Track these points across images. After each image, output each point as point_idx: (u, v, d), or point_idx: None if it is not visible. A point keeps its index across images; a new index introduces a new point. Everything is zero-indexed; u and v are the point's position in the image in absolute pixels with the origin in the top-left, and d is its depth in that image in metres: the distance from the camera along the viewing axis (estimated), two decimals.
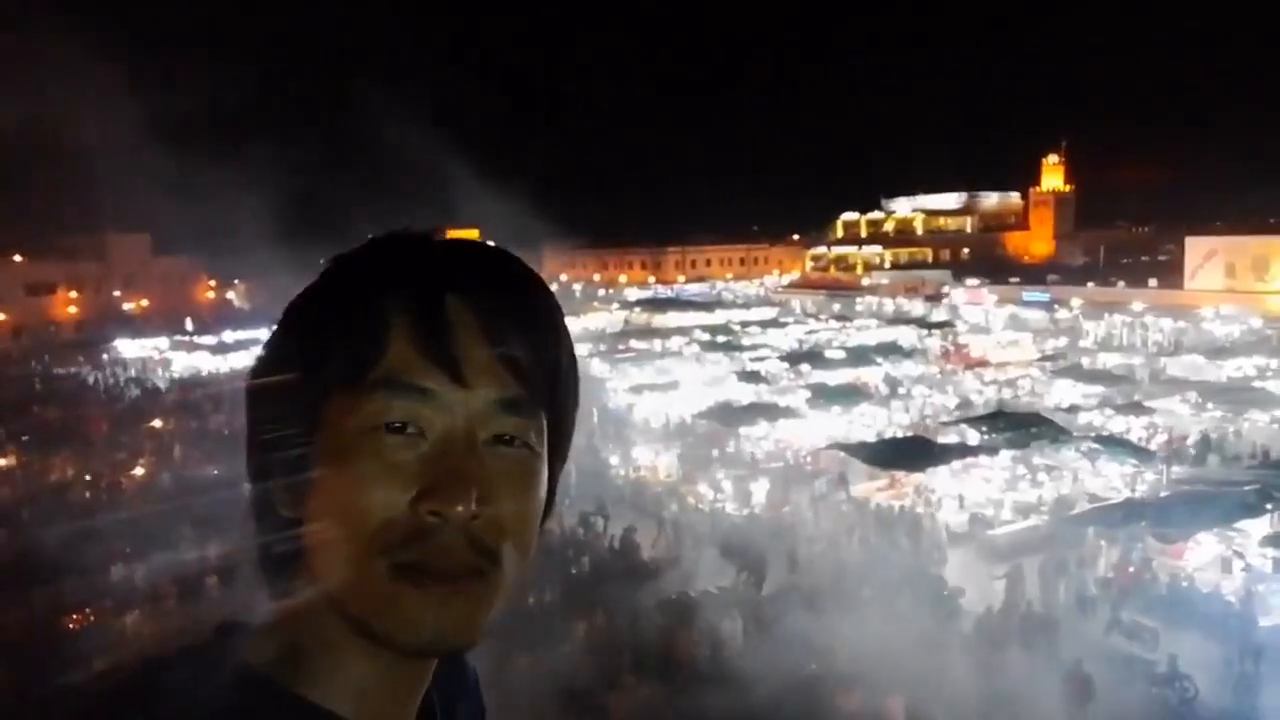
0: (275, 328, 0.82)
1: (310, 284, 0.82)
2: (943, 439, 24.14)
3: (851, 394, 29.84)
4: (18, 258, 62.42)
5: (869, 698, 12.75)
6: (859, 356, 36.25)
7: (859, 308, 60.92)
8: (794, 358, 37.15)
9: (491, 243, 0.87)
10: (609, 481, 24.45)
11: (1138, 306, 48.05)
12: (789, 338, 45.62)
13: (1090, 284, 56.08)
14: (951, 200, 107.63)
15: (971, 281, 61.08)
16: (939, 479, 21.66)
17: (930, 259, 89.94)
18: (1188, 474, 22.32)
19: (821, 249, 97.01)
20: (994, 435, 23.25)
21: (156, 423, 31.05)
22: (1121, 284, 53.99)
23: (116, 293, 65.75)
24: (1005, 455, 22.54)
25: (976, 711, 12.73)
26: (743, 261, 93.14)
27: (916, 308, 57.64)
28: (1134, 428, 25.56)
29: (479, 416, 0.75)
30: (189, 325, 56.15)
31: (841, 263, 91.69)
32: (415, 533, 0.71)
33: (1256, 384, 29.69)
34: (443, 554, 0.72)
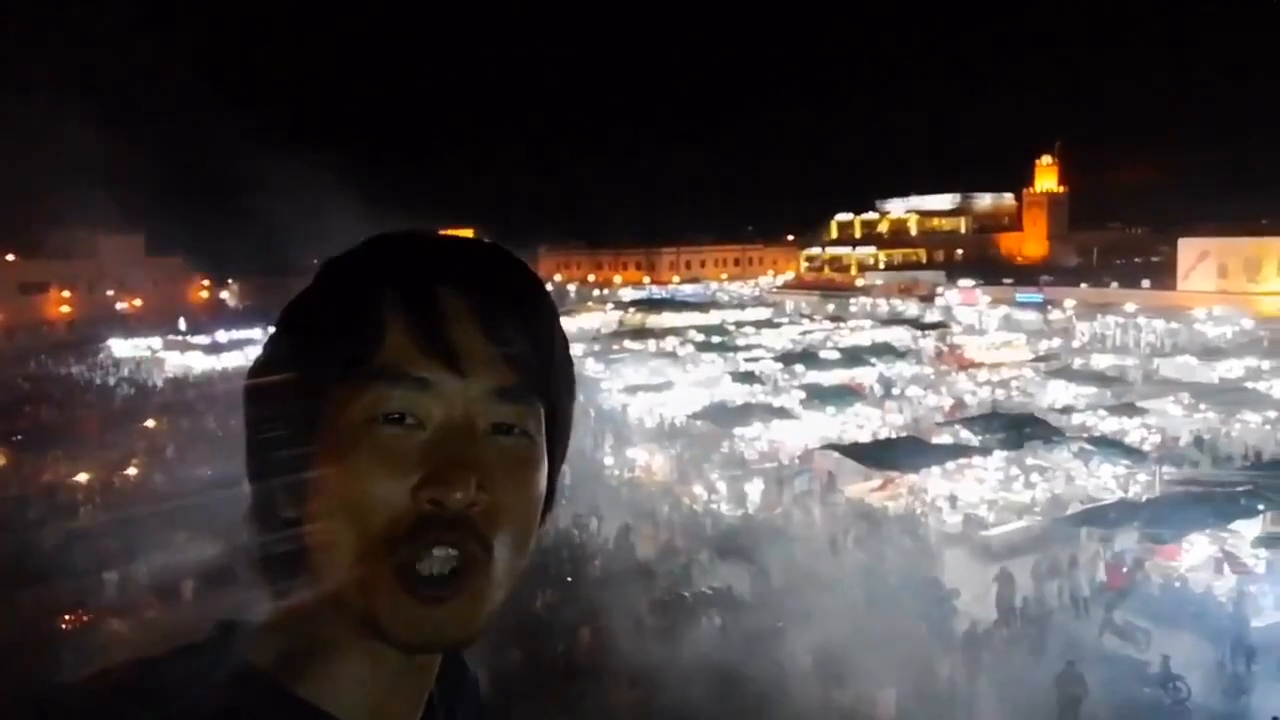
0: (273, 328, 0.82)
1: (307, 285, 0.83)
2: (936, 439, 24.18)
3: (845, 395, 29.87)
4: (10, 257, 62.24)
5: (860, 693, 12.81)
6: (853, 357, 36.31)
7: (853, 308, 61.00)
8: (788, 358, 37.20)
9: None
10: (603, 482, 24.45)
11: (1130, 307, 48.19)
12: (783, 338, 45.64)
13: (1083, 285, 56.24)
14: (945, 201, 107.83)
15: (965, 282, 61.19)
16: (932, 479, 21.69)
17: (924, 260, 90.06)
18: (1180, 475, 22.37)
19: (816, 250, 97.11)
20: (987, 436, 23.30)
21: (149, 422, 30.97)
22: (1114, 285, 54.14)
23: (109, 292, 65.56)
24: (999, 456, 22.59)
25: (969, 711, 12.76)
26: (737, 262, 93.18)
27: (910, 308, 57.74)
28: (1127, 429, 25.63)
29: (477, 405, 0.75)
30: (182, 325, 56.03)
31: (836, 263, 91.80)
32: (416, 523, 0.72)
33: (1248, 385, 29.79)
34: (443, 540, 0.72)
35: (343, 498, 0.73)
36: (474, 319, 0.76)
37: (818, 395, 29.20)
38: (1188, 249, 51.30)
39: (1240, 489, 18.58)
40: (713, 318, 55.07)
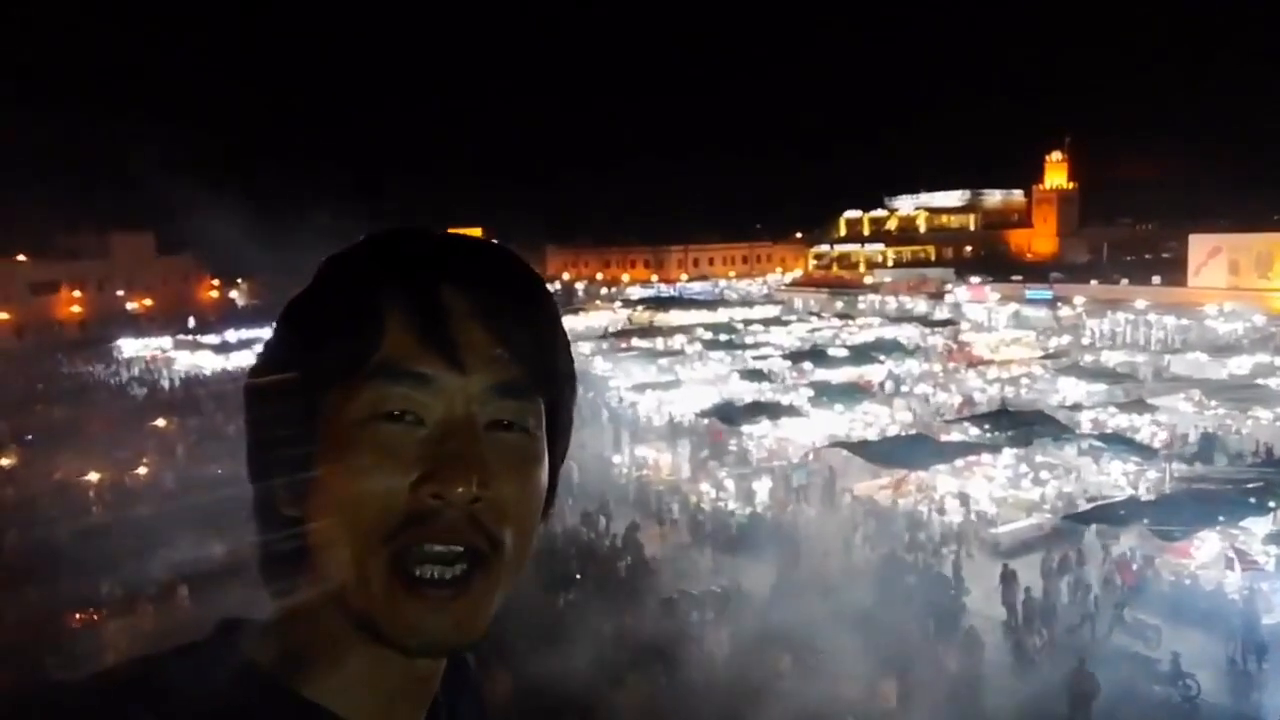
0: (274, 328, 0.82)
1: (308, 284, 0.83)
2: (945, 437, 24.13)
3: (854, 392, 29.82)
4: (21, 257, 62.49)
5: (865, 684, 12.83)
6: (861, 355, 36.23)
7: (862, 306, 60.87)
8: (796, 356, 37.13)
9: (491, 240, 0.88)
10: (611, 480, 24.47)
11: (1141, 304, 47.99)
12: (791, 336, 45.59)
13: (1093, 281, 56.05)
14: (954, 198, 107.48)
15: (974, 279, 61.04)
16: (941, 477, 21.64)
17: (933, 257, 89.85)
18: (1190, 472, 22.28)
19: (824, 247, 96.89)
20: (997, 433, 23.24)
21: (160, 422, 31.10)
22: (1125, 281, 53.95)
23: (120, 292, 65.80)
24: (1008, 453, 22.52)
25: (980, 709, 12.74)
26: (745, 259, 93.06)
27: (919, 306, 57.59)
28: (1137, 426, 25.52)
29: (477, 401, 0.75)
30: (192, 324, 56.25)
31: (844, 261, 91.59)
32: (416, 515, 0.72)
33: (1260, 382, 29.64)
34: (445, 535, 0.72)
35: (343, 495, 0.73)
36: (474, 315, 0.75)
37: (826, 393, 29.15)
38: (1199, 245, 51.06)
39: (1251, 486, 18.49)
40: (721, 316, 55.02)
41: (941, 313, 53.33)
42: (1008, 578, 16.70)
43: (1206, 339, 41.46)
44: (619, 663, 13.28)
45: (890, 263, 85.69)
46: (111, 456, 25.67)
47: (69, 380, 44.28)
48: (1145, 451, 22.51)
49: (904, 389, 32.56)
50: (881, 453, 22.52)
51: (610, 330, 51.51)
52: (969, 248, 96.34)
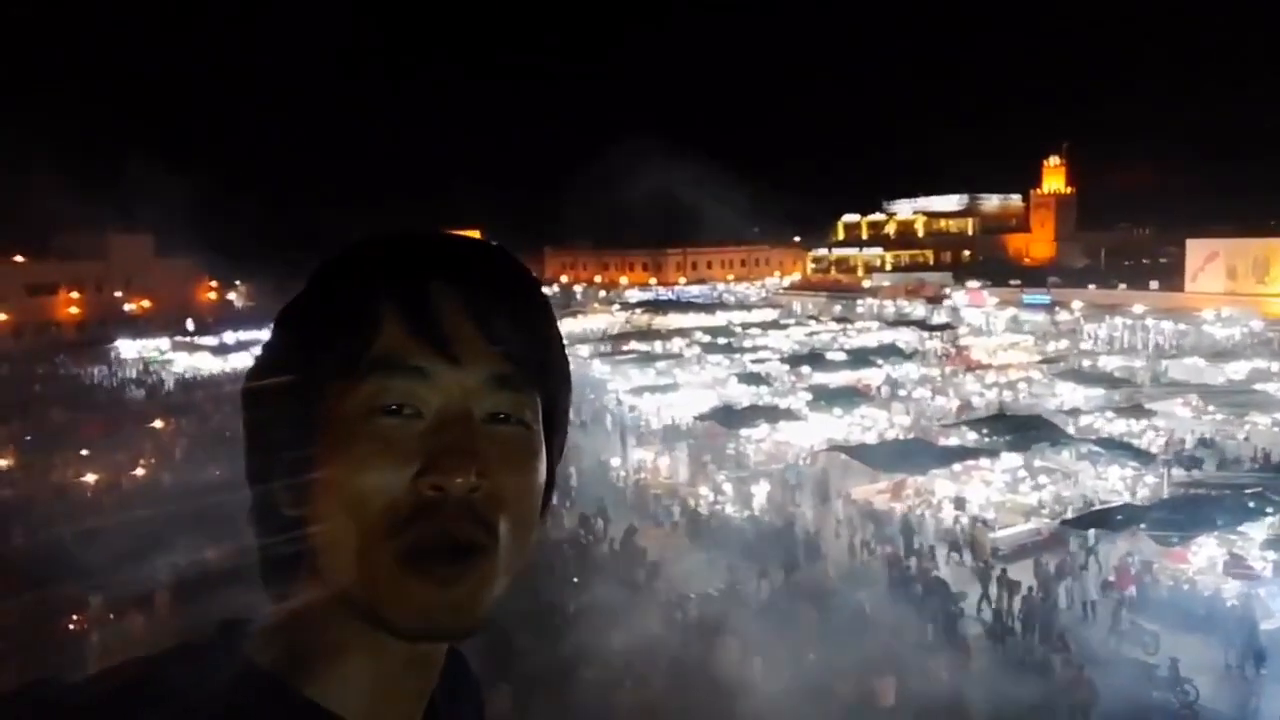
0: (271, 331, 0.83)
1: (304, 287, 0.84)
2: (943, 441, 24.13)
3: (852, 396, 29.84)
4: (19, 258, 62.41)
5: (862, 683, 12.85)
6: (860, 359, 36.26)
7: (860, 310, 60.94)
8: (795, 359, 37.17)
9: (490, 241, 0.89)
10: (609, 484, 24.46)
11: (1138, 309, 48.04)
12: (790, 339, 45.61)
13: (1091, 286, 56.09)
14: (953, 202, 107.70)
15: (972, 283, 61.08)
16: (939, 481, 21.65)
17: (931, 261, 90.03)
18: (1188, 477, 22.29)
19: (822, 251, 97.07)
20: (995, 438, 23.25)
21: (157, 423, 31.06)
22: (1122, 286, 54.00)
23: (118, 293, 65.71)
24: (1006, 458, 22.52)
25: (975, 714, 12.74)
26: (743, 263, 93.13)
27: (917, 310, 57.64)
28: (1135, 430, 25.54)
29: (474, 394, 0.76)
30: (190, 326, 56.18)
31: (842, 265, 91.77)
32: (418, 510, 0.72)
33: (1257, 387, 29.67)
34: (445, 526, 0.72)
35: (344, 491, 0.73)
36: (468, 311, 0.77)
37: (824, 397, 29.17)
38: (1196, 250, 51.13)
39: (1249, 491, 18.51)
40: (719, 319, 55.06)
41: (939, 317, 53.39)
42: (1005, 583, 16.71)
43: (1204, 344, 41.50)
44: (618, 666, 13.28)
45: (888, 266, 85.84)
46: (109, 458, 25.65)
47: (66, 382, 44.22)
48: (1143, 456, 22.52)
49: (902, 393, 32.58)
50: (879, 457, 22.53)
51: (608, 333, 51.51)
52: (967, 252, 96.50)
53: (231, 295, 77.39)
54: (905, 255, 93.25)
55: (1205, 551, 17.27)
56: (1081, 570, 17.60)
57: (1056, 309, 52.35)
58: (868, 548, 19.19)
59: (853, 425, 27.78)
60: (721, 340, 44.51)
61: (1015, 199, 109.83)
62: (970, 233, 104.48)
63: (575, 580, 17.37)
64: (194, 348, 48.54)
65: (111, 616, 15.17)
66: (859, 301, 64.32)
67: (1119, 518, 18.15)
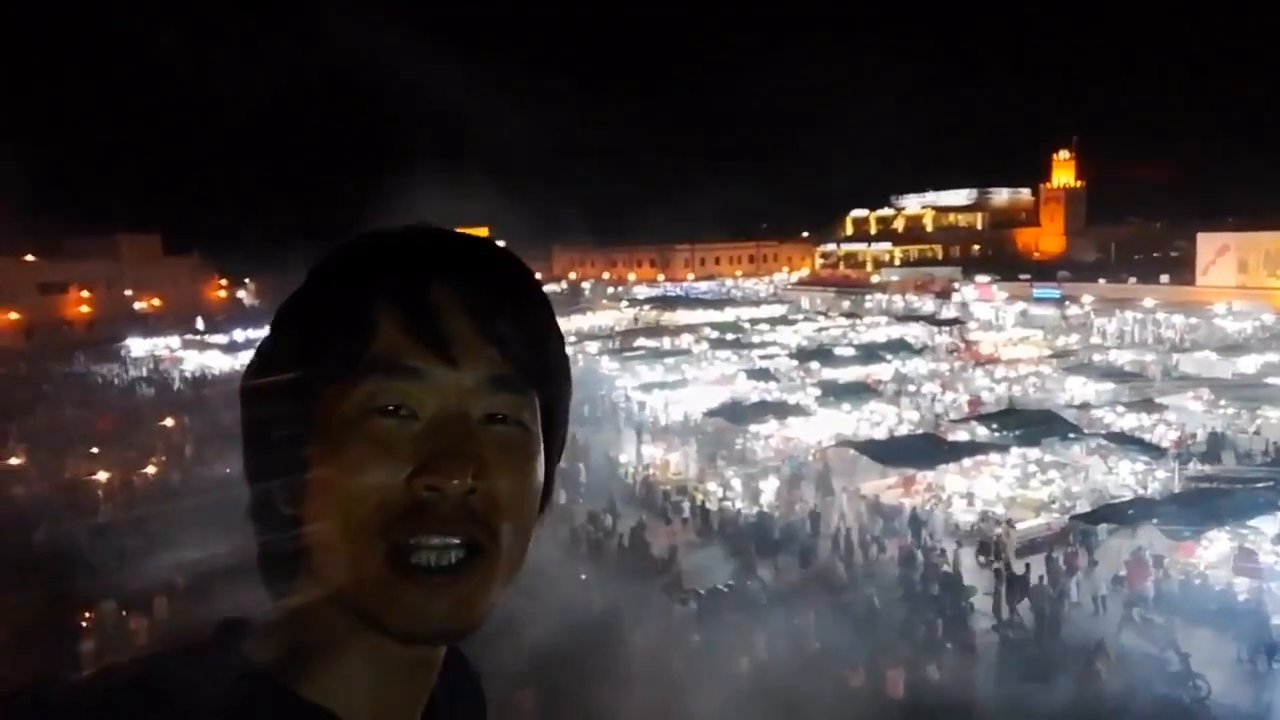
0: (269, 329, 0.83)
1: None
2: (953, 436, 24.06)
3: (861, 391, 29.77)
4: (30, 257, 62.74)
5: (871, 676, 12.86)
6: (869, 354, 36.20)
7: (869, 305, 60.81)
8: (803, 355, 37.12)
9: (500, 241, 0.87)
10: (618, 479, 24.47)
11: (1149, 303, 47.83)
12: (798, 335, 45.56)
13: (1101, 280, 55.91)
14: (962, 197, 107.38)
15: (982, 278, 60.92)
16: (949, 477, 21.58)
17: (940, 256, 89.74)
18: (1200, 471, 22.18)
19: (831, 246, 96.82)
20: (1005, 432, 23.16)
21: (168, 421, 31.19)
22: (1133, 280, 53.79)
23: (128, 292, 66.04)
24: (1016, 453, 22.44)
25: (989, 708, 12.72)
26: (752, 259, 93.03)
27: (926, 304, 57.52)
28: (1145, 425, 25.42)
29: (470, 395, 0.75)
30: (200, 324, 56.41)
31: (851, 260, 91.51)
32: (412, 509, 0.72)
33: (1269, 380, 29.50)
34: (440, 527, 0.72)
35: (340, 491, 0.73)
36: (465, 311, 0.76)
37: (833, 392, 29.11)
38: (1207, 244, 50.90)
39: (1261, 485, 18.41)
40: (727, 315, 55.03)
41: (949, 312, 53.25)
42: (1016, 578, 16.65)
43: (1215, 338, 41.31)
44: (623, 660, 13.30)
45: (897, 261, 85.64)
46: (119, 456, 25.77)
47: (77, 380, 44.45)
48: (1154, 451, 22.42)
49: (911, 388, 32.50)
50: (889, 452, 22.48)
51: (617, 330, 51.51)
52: (976, 246, 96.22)
53: (241, 293, 77.64)
54: (914, 250, 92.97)
55: (1216, 546, 17.19)
56: (1092, 565, 17.54)
57: (1066, 303, 52.18)
58: (877, 543, 19.15)
59: (862, 420, 27.72)
60: (730, 336, 44.49)
61: (1024, 193, 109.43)
62: (979, 227, 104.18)
63: (583, 577, 17.39)
64: (204, 346, 48.74)
65: (104, 614, 15.23)
66: (868, 297, 64.20)
67: (1130, 512, 18.07)
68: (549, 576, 14.29)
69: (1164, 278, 52.58)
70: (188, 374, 44.85)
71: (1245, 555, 16.55)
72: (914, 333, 44.68)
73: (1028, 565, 17.39)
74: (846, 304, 61.59)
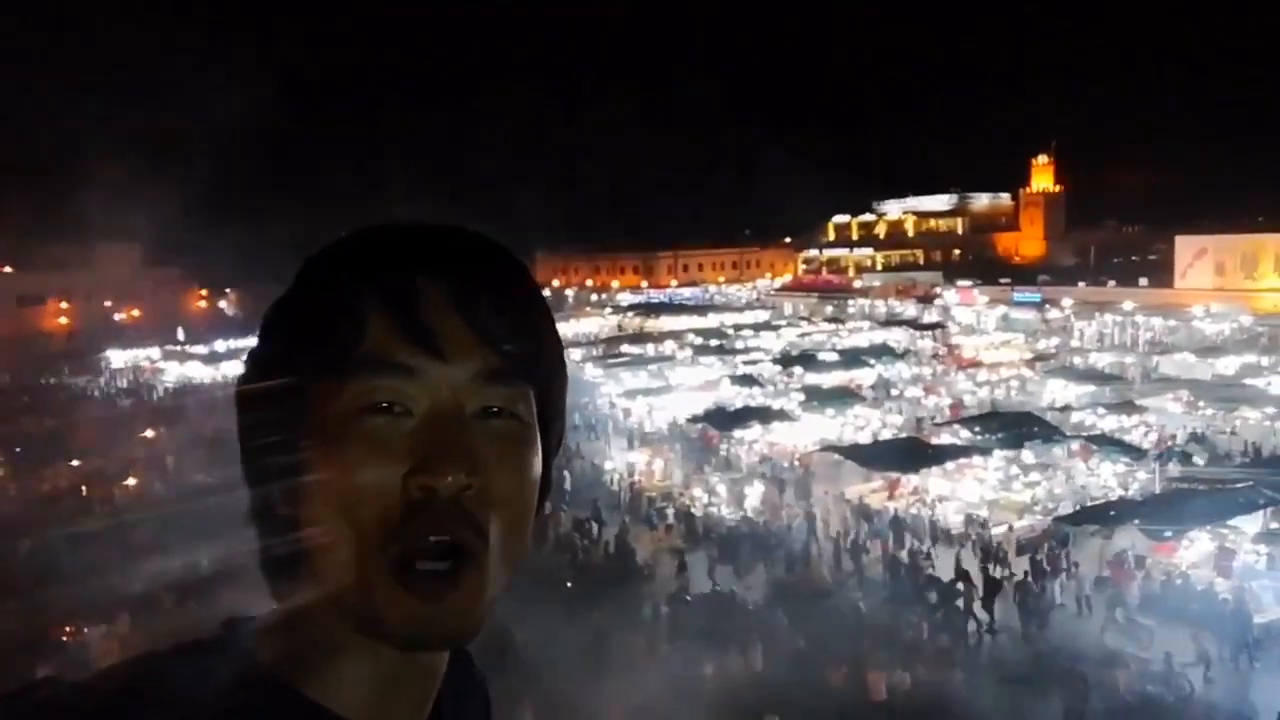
0: (258, 334, 0.82)
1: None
2: (936, 440, 24.16)
3: (845, 396, 29.87)
4: (8, 269, 62.21)
5: (853, 673, 12.87)
6: (852, 359, 36.32)
7: (851, 310, 61.02)
8: (787, 360, 37.20)
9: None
10: (603, 486, 24.45)
11: (1128, 305, 48.21)
12: (781, 340, 45.67)
13: (1081, 284, 56.30)
14: (942, 202, 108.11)
15: (963, 282, 61.25)
16: (933, 479, 21.67)
17: (921, 260, 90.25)
18: (1180, 472, 22.36)
19: (813, 251, 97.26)
20: (987, 435, 23.29)
21: (149, 432, 30.94)
22: (1112, 283, 54.19)
23: (107, 303, 65.48)
24: (998, 455, 22.57)
25: (972, 710, 12.75)
26: (735, 265, 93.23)
27: (908, 309, 57.76)
28: (1126, 426, 25.62)
29: (463, 390, 0.74)
30: (180, 335, 56.00)
31: (833, 265, 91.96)
32: (408, 514, 0.71)
33: (1247, 381, 29.79)
34: (433, 532, 0.71)
35: (336, 492, 0.72)
36: (454, 304, 0.75)
37: (817, 397, 29.20)
38: (1185, 246, 51.37)
39: (1240, 485, 18.57)
40: (711, 321, 55.10)
41: (930, 316, 53.50)
42: (999, 580, 16.73)
43: (1194, 340, 41.67)
44: (616, 667, 13.27)
45: (879, 266, 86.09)
46: (100, 467, 25.54)
47: (56, 392, 44.03)
48: (1135, 452, 22.59)
49: (894, 392, 32.63)
50: (873, 456, 22.56)
51: (601, 337, 51.48)
52: (957, 251, 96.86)
53: (222, 303, 77.14)
54: (895, 255, 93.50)
55: (1197, 546, 17.33)
56: (1075, 566, 17.64)
57: (1047, 307, 52.51)
58: (862, 547, 19.20)
59: (845, 425, 27.81)
60: (713, 342, 44.53)
61: (1004, 198, 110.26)
62: (960, 232, 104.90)
63: (569, 585, 17.35)
64: (185, 356, 48.37)
65: (95, 625, 15.09)
66: (850, 302, 64.41)
67: (1112, 513, 18.20)
68: (533, 582, 14.25)
69: (1143, 281, 53.00)
70: (169, 385, 44.54)
71: (1225, 554, 16.68)
72: (896, 337, 44.87)
73: (1011, 567, 17.50)
74: (829, 309, 61.77)
